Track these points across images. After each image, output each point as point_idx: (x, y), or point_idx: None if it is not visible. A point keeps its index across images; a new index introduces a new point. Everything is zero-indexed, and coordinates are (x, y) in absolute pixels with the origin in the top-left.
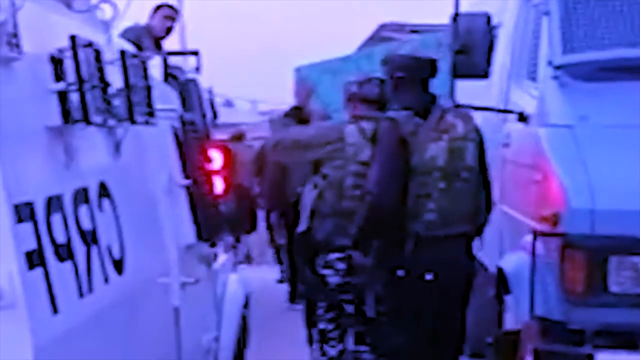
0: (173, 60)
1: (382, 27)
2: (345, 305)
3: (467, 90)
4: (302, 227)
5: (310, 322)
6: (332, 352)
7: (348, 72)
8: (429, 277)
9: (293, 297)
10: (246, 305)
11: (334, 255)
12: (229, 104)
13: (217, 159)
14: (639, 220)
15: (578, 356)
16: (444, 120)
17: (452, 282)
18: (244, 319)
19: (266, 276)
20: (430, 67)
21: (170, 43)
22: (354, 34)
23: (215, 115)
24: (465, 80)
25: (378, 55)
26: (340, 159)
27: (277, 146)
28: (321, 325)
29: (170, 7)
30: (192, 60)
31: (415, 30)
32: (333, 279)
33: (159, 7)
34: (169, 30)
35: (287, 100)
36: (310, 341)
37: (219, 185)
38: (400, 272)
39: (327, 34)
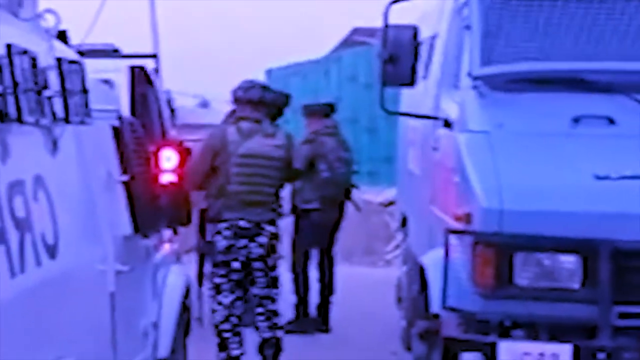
0: (134, 62)
1: (355, 31)
2: (232, 263)
3: (412, 96)
4: (201, 206)
5: (201, 279)
6: (226, 300)
7: (316, 76)
8: None
9: None
10: (187, 296)
11: (222, 225)
12: (204, 104)
13: (172, 157)
14: (542, 220)
15: (483, 344)
16: None
17: None
18: (185, 308)
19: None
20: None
21: (141, 43)
22: (328, 36)
23: (173, 115)
24: (393, 88)
25: (346, 59)
26: (224, 153)
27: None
28: (216, 280)
29: None
30: (151, 63)
31: None
32: (221, 243)
33: None
34: None
35: None
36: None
37: (163, 181)
38: None
39: (300, 36)
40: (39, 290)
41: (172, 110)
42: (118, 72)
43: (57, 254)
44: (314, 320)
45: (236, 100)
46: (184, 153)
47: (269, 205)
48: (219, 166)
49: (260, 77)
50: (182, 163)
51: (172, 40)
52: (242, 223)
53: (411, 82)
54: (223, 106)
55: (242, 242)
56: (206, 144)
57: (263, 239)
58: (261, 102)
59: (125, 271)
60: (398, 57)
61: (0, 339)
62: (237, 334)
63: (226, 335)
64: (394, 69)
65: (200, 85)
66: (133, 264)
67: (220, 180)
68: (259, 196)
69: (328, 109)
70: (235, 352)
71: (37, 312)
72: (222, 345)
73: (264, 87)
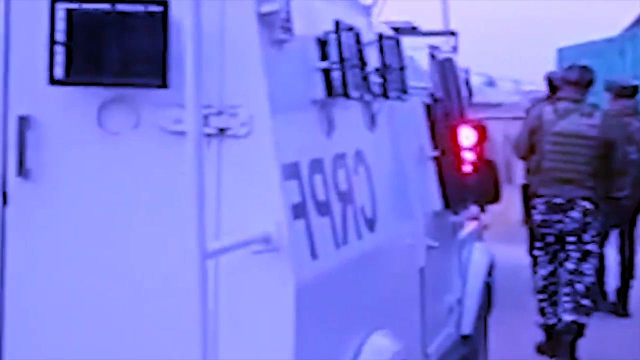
0: (431, 40)
1: None
2: (547, 237)
3: None
4: (523, 181)
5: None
6: (543, 271)
7: (611, 55)
8: None
9: None
10: (490, 274)
11: (539, 200)
12: (491, 83)
13: (470, 135)
14: None
15: None
16: None
17: None
18: (487, 286)
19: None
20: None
21: (432, 22)
22: (620, 14)
23: (470, 94)
24: None
25: None
26: (540, 132)
27: None
28: (534, 253)
29: None
30: (450, 40)
31: None
32: (537, 217)
33: None
34: None
35: None
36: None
37: (468, 159)
38: None
39: (591, 13)
40: (359, 262)
41: (470, 90)
42: (418, 50)
43: (375, 228)
44: (613, 304)
45: (561, 80)
46: (482, 131)
47: (582, 182)
48: (536, 144)
49: (551, 56)
50: (480, 141)
51: (459, 18)
52: (556, 199)
53: None
54: (509, 85)
55: (556, 216)
56: (526, 122)
57: (576, 214)
58: (580, 82)
59: (435, 247)
60: None
61: (326, 307)
62: (554, 303)
63: (542, 304)
64: None
65: (486, 64)
66: (442, 240)
67: (537, 158)
68: (572, 174)
69: (633, 90)
70: (550, 321)
71: (358, 283)
72: (542, 312)
73: (584, 68)
